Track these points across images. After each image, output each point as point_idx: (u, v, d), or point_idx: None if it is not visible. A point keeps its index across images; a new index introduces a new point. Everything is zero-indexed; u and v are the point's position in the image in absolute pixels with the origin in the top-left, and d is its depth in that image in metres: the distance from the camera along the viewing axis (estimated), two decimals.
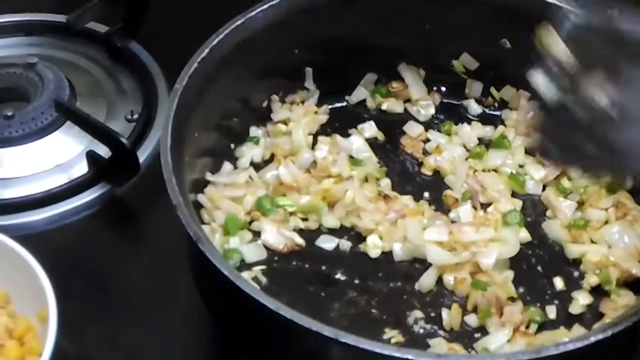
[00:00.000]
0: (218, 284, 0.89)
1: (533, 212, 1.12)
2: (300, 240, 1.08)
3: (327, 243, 1.09)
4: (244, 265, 1.06)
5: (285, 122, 1.20)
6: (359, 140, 1.18)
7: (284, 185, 1.11)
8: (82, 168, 1.18)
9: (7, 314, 0.97)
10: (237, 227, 1.07)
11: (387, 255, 1.08)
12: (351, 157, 1.16)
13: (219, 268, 0.86)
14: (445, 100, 1.25)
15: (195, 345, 1.04)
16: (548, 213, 1.12)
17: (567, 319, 1.02)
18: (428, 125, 1.22)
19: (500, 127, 1.21)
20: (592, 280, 1.04)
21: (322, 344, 0.83)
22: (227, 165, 1.14)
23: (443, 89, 1.25)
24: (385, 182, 1.14)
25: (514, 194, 1.13)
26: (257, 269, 1.06)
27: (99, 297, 1.07)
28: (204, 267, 0.89)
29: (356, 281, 1.05)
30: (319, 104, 1.23)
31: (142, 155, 1.19)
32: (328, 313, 1.02)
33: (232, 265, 1.01)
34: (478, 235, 1.06)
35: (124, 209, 1.18)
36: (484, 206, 1.12)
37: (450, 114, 1.23)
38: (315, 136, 1.19)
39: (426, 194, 1.14)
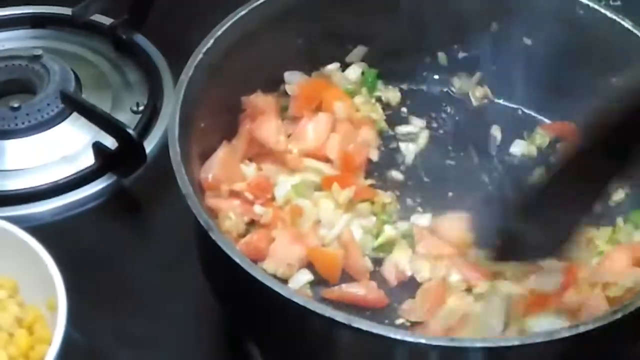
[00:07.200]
0: (229, 273, 0.89)
1: None
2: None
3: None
4: None
5: None
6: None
7: None
8: (88, 159, 1.18)
9: (16, 303, 0.97)
10: None
11: None
12: None
13: (231, 256, 0.86)
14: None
15: (205, 334, 1.04)
16: None
17: None
18: None
19: None
20: None
21: (335, 329, 0.83)
22: None
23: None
24: None
25: None
26: None
27: (107, 287, 1.07)
28: (214, 256, 0.89)
29: None
30: None
31: (148, 146, 1.19)
32: None
33: None
34: None
35: (131, 199, 1.19)
36: None
37: None
38: None
39: None
